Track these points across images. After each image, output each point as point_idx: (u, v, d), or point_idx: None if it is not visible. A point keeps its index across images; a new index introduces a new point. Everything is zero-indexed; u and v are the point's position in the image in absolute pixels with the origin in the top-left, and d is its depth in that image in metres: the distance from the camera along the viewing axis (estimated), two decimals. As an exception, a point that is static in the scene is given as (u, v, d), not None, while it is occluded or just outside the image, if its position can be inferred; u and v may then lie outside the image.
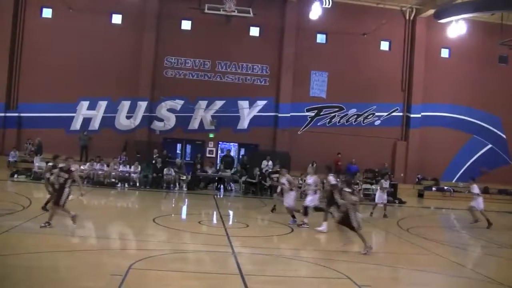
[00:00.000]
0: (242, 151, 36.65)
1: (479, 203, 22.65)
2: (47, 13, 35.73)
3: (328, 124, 36.67)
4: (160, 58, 35.62)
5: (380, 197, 24.34)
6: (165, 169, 30.23)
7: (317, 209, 19.44)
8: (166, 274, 11.22)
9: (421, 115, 37.39)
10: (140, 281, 10.48)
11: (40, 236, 14.29)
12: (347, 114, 36.81)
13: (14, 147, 33.33)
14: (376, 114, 37.09)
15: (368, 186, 32.63)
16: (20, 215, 17.28)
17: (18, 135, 34.72)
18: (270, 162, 31.64)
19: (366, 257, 13.70)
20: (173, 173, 30.26)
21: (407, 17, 37.21)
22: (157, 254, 12.89)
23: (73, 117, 35.35)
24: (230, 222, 20.68)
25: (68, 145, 32.40)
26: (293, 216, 19.56)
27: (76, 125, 35.30)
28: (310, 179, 19.72)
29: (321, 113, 36.56)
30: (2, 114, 34.73)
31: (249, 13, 31.28)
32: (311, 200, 19.22)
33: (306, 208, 19.13)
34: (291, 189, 19.91)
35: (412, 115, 37.27)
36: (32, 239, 13.68)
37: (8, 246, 12.93)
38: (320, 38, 37.08)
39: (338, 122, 36.77)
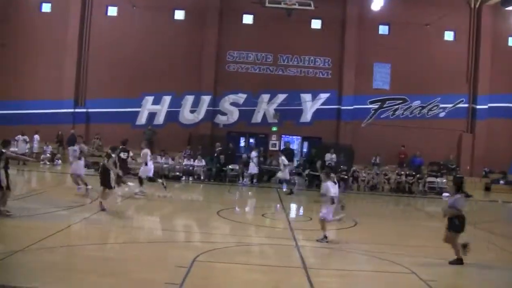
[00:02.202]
0: (306, 145, 36.56)
1: None
2: (112, 11, 36.70)
3: (391, 116, 36.19)
4: (222, 52, 35.93)
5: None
6: (230, 165, 30.47)
7: None
8: (230, 266, 11.33)
9: (488, 106, 36.33)
10: (204, 273, 10.63)
11: (107, 228, 14.68)
12: (411, 106, 36.22)
13: (84, 141, 34.18)
14: (441, 105, 36.32)
15: (433, 179, 31.95)
16: (89, 207, 17.77)
17: (87, 130, 35.68)
18: (334, 155, 31.49)
19: (431, 251, 13.47)
20: (238, 168, 30.49)
21: (472, 6, 36.25)
22: (221, 246, 13.03)
23: (138, 112, 36.13)
24: (294, 215, 20.73)
25: (133, 139, 33.03)
26: None
27: (142, 119, 36.06)
28: None
29: (385, 105, 36.12)
30: (71, 110, 35.84)
31: (310, 6, 31.17)
32: None
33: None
34: None
35: (478, 107, 36.28)
36: (99, 231, 14.05)
37: (77, 237, 13.39)
38: (383, 29, 36.60)
39: (402, 114, 36.24)
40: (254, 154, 30.52)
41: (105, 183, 17.24)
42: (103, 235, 13.79)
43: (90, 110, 36.18)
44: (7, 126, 33.19)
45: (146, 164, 22.18)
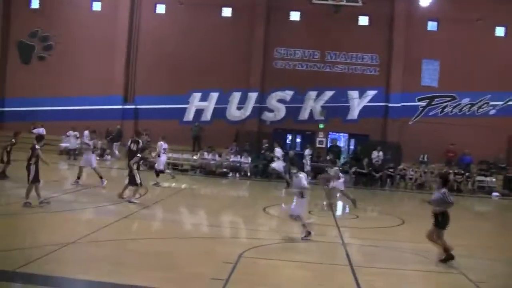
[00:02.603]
0: (353, 142, 36.34)
1: None
2: (160, 9, 37.32)
3: (440, 114, 35.65)
4: (269, 49, 36.01)
5: None
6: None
7: None
8: (276, 263, 11.41)
9: (543, 104, 35.40)
10: (250, 269, 10.73)
11: (155, 223, 14.93)
12: (460, 104, 35.63)
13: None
14: (491, 103, 35.62)
15: (482, 178, 31.34)
16: (140, 202, 18.08)
17: (135, 126, 36.15)
18: (381, 153, 31.24)
19: (479, 252, 13.31)
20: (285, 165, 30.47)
21: (525, 0, 35.42)
22: (267, 243, 13.13)
23: (186, 108, 36.50)
24: (340, 213, 20.69)
25: (181, 135, 33.56)
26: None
27: (189, 116, 36.44)
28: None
29: (433, 103, 35.61)
30: (121, 107, 36.45)
31: (358, 2, 31.02)
32: None
33: None
34: None
35: (532, 104, 35.44)
36: (148, 226, 14.28)
37: (126, 231, 13.65)
38: (431, 25, 36.02)
39: (451, 112, 35.66)
40: (308, 152, 30.56)
41: (129, 179, 17.75)
42: (152, 230, 14.04)
43: (138, 106, 36.74)
44: (59, 122, 33.97)
45: (159, 156, 22.81)
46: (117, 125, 34.74)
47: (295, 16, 36.25)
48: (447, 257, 11.96)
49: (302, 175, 14.10)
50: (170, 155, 30.54)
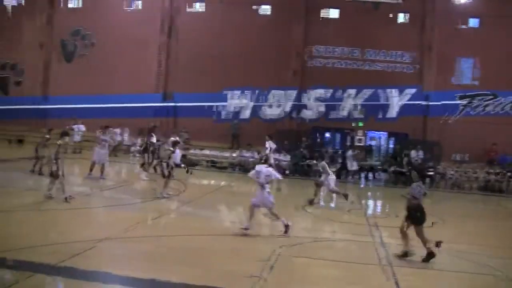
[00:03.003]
0: (392, 141, 35.99)
1: None
2: (198, 6, 37.44)
3: (481, 112, 35.08)
4: (308, 47, 35.88)
5: None
6: (314, 160, 30.40)
7: None
8: (312, 261, 11.42)
9: None
10: (286, 267, 10.77)
11: (192, 220, 15.04)
12: (502, 102, 35.02)
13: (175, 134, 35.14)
14: (535, 102, 34.90)
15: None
16: (177, 199, 18.31)
17: (175, 123, 36.58)
18: (420, 152, 30.90)
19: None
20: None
21: None
22: (303, 241, 13.14)
23: (224, 106, 36.66)
24: (378, 212, 20.56)
25: (219, 133, 33.87)
26: None
27: (227, 114, 36.57)
28: None
29: (474, 101, 35.05)
30: (160, 104, 36.83)
31: (397, -1, 30.74)
32: None
33: None
34: None
35: None
36: (185, 222, 14.42)
37: (164, 228, 13.84)
38: (472, 22, 35.35)
39: (493, 111, 35.05)
40: (350, 153, 30.47)
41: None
42: (189, 227, 14.15)
43: (178, 104, 37.06)
44: (99, 119, 34.43)
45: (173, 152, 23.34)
46: (153, 123, 34.95)
47: (333, 13, 36.03)
48: (428, 255, 11.84)
49: (263, 167, 14.06)
50: (207, 152, 30.87)
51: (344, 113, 35.48)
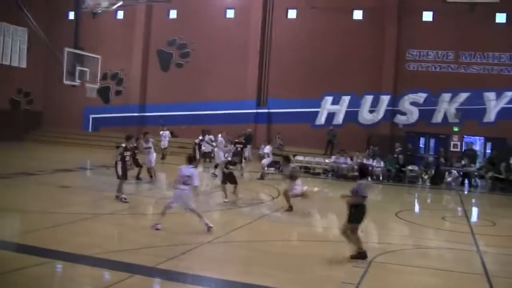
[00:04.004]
0: (489, 146, 34.91)
1: None
2: (292, 13, 37.97)
3: None
4: (402, 51, 35.49)
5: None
6: (409, 166, 30.04)
7: None
8: (407, 269, 11.37)
9: None
10: (381, 274, 10.77)
11: (285, 225, 15.26)
12: None
13: (266, 140, 35.57)
14: None
15: None
16: (270, 205, 18.63)
17: (268, 130, 37.10)
18: (520, 157, 29.82)
19: None
20: (418, 170, 29.93)
21: None
22: (398, 248, 13.09)
23: (317, 112, 36.83)
24: (475, 219, 20.10)
25: (313, 139, 34.09)
26: None
27: (321, 119, 36.74)
28: None
29: None
30: (254, 111, 37.44)
31: (495, -2, 29.85)
32: None
33: None
34: None
35: None
36: (278, 228, 14.64)
37: (258, 233, 14.12)
38: None
39: None
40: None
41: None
42: (281, 232, 14.39)
43: (271, 110, 37.56)
44: (195, 126, 35.34)
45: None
46: (249, 129, 35.57)
47: (427, 16, 35.43)
48: (359, 255, 11.43)
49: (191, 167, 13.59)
50: (301, 158, 31.06)
51: (439, 117, 34.79)
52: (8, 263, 9.73)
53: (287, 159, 18.73)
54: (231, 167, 18.30)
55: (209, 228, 13.10)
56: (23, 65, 40.13)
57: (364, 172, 12.45)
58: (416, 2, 35.01)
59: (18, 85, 41.64)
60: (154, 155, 22.78)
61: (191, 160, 13.86)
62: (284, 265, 10.86)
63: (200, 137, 27.72)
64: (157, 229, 12.97)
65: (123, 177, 16.81)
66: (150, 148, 22.52)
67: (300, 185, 17.39)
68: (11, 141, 37.17)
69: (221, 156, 24.83)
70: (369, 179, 12.00)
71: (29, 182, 20.44)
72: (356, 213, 11.67)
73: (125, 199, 16.58)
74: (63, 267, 10.02)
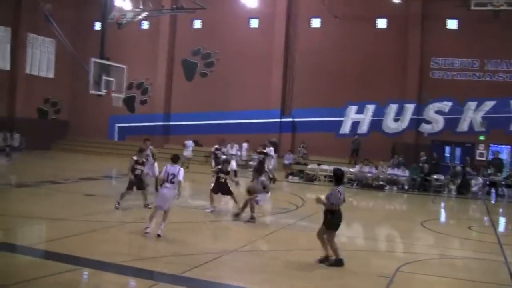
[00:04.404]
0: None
1: None
2: (315, 23, 38.10)
3: None
4: (426, 59, 35.29)
5: None
6: (435, 175, 29.85)
7: None
8: (434, 279, 11.25)
9: None
10: (406, 284, 10.71)
11: (310, 235, 15.18)
12: None
13: (289, 150, 35.71)
14: None
15: None
16: (294, 213, 18.63)
17: (292, 139, 37.16)
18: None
19: None
20: (443, 179, 29.70)
21: None
22: (424, 258, 12.98)
23: (342, 121, 36.77)
24: (502, 229, 19.89)
25: (337, 148, 34.02)
26: None
27: (345, 129, 36.67)
28: None
29: None
30: (278, 120, 37.51)
31: (520, 5, 29.54)
32: None
33: None
34: None
35: None
36: (304, 237, 14.61)
37: (283, 242, 14.11)
38: None
39: None
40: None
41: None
42: (307, 241, 14.31)
43: (295, 119, 37.59)
44: (220, 135, 35.43)
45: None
46: (273, 138, 35.57)
47: (452, 24, 35.19)
48: (336, 263, 11.34)
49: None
50: (325, 167, 31.06)
51: (465, 126, 34.51)
52: (36, 270, 9.82)
53: (258, 171, 18.15)
54: (222, 175, 17.88)
55: (158, 235, 13.03)
56: (51, 75, 41.02)
57: (339, 177, 12.13)
58: (440, 10, 34.78)
59: (45, 95, 42.21)
60: (155, 164, 22.74)
61: (176, 160, 14.16)
62: (308, 274, 10.84)
63: (216, 146, 27.48)
64: (146, 232, 13.17)
65: (129, 187, 16.95)
66: (148, 156, 22.43)
67: (261, 200, 16.91)
68: (38, 149, 37.64)
69: (233, 165, 24.73)
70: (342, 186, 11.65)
71: (55, 191, 20.66)
72: (333, 219, 11.61)
73: (147, 205, 16.76)
74: (90, 274, 10.11)
